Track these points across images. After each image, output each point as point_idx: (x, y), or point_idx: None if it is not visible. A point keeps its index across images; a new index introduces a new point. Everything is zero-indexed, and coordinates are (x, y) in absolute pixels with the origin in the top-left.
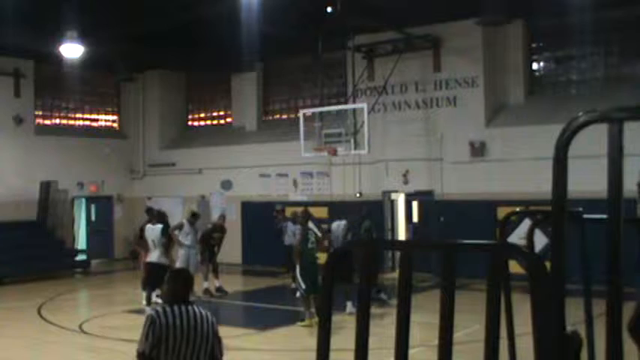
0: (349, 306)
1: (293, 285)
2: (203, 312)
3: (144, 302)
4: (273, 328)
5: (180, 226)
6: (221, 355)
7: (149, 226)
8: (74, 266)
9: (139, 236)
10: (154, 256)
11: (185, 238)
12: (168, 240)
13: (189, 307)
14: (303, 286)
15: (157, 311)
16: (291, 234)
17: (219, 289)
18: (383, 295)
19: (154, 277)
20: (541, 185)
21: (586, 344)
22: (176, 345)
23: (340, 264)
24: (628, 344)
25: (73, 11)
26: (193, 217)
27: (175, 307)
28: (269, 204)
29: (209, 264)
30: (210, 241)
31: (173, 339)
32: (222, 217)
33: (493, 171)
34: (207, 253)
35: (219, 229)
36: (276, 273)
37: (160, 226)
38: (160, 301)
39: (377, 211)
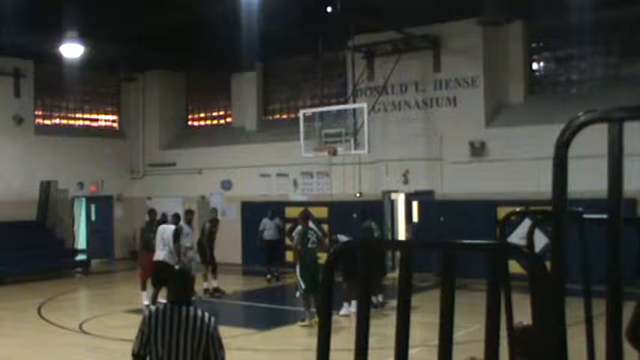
0: (345, 307)
1: (268, 276)
2: (200, 313)
3: (145, 302)
4: (273, 328)
5: (180, 231)
6: (216, 358)
7: (164, 225)
8: (74, 266)
9: (144, 238)
10: (161, 254)
11: (185, 239)
12: (178, 244)
13: (184, 308)
14: (303, 286)
15: (150, 311)
16: (271, 227)
17: (216, 290)
18: (380, 298)
19: (160, 275)
20: (541, 185)
21: (586, 344)
22: (164, 344)
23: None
24: (628, 343)
25: (73, 11)
26: (189, 214)
27: (169, 307)
28: (269, 204)
29: (208, 265)
30: (212, 236)
31: (161, 338)
32: (215, 210)
33: (493, 171)
34: (209, 252)
35: (216, 223)
36: (276, 273)
37: (173, 227)
38: (164, 300)
39: (377, 211)
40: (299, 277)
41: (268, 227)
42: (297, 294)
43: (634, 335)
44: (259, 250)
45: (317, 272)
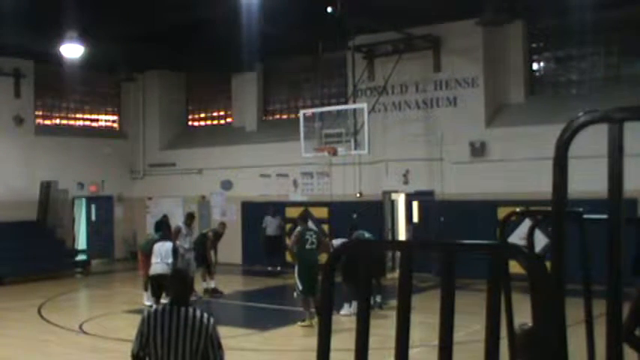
0: (346, 307)
1: (269, 268)
2: (199, 314)
3: (146, 302)
4: (273, 328)
5: (178, 231)
6: (214, 359)
7: (159, 243)
8: (74, 266)
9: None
10: (158, 268)
11: (184, 240)
12: (175, 259)
13: (183, 309)
14: (300, 287)
15: (148, 312)
16: (274, 224)
17: (214, 290)
18: (378, 298)
19: (160, 287)
20: (541, 185)
21: (586, 344)
22: (163, 345)
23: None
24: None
25: (73, 11)
26: (190, 218)
27: (168, 308)
28: (269, 204)
29: (205, 265)
30: (214, 245)
31: (160, 339)
32: (223, 224)
33: (493, 171)
34: (208, 256)
35: (220, 236)
36: (275, 273)
37: (169, 244)
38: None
39: (377, 211)
40: (297, 278)
41: (270, 224)
42: (295, 294)
43: (631, 336)
44: (262, 244)
45: (316, 273)
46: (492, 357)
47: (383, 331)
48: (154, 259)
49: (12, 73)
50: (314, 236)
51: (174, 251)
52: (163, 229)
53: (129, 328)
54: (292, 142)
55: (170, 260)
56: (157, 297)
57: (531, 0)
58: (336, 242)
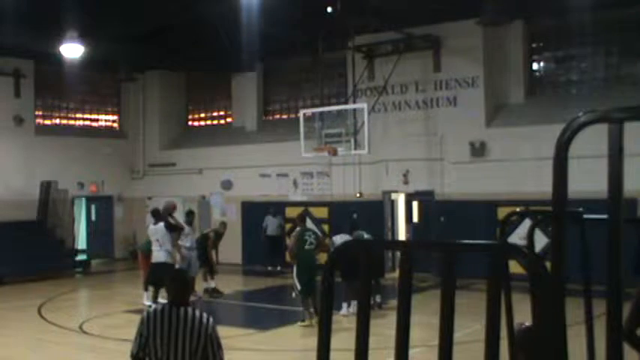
0: (344, 308)
1: (269, 268)
2: (198, 314)
3: (146, 302)
4: (273, 328)
5: (180, 230)
6: (214, 359)
7: (152, 226)
8: (74, 266)
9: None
10: (160, 256)
11: (185, 239)
12: (174, 237)
13: (182, 309)
14: (299, 287)
15: (148, 312)
16: (274, 224)
17: (214, 290)
18: (377, 298)
19: (161, 276)
20: (541, 185)
21: (586, 344)
22: (163, 345)
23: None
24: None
25: (73, 11)
26: (189, 215)
27: (167, 308)
28: (269, 204)
29: (206, 265)
30: (215, 244)
31: (160, 339)
32: (224, 224)
33: (493, 171)
34: (210, 256)
35: (221, 236)
36: (275, 273)
37: (161, 224)
38: (164, 301)
39: (377, 211)
40: (295, 279)
41: (271, 223)
42: (293, 294)
43: (632, 335)
44: (263, 244)
45: (314, 274)
46: (492, 357)
47: (383, 331)
48: (154, 247)
49: (12, 73)
50: (313, 236)
51: (167, 227)
52: (157, 216)
53: (129, 328)
54: (292, 142)
55: (169, 247)
56: (156, 287)
57: (531, 0)
58: (336, 238)
